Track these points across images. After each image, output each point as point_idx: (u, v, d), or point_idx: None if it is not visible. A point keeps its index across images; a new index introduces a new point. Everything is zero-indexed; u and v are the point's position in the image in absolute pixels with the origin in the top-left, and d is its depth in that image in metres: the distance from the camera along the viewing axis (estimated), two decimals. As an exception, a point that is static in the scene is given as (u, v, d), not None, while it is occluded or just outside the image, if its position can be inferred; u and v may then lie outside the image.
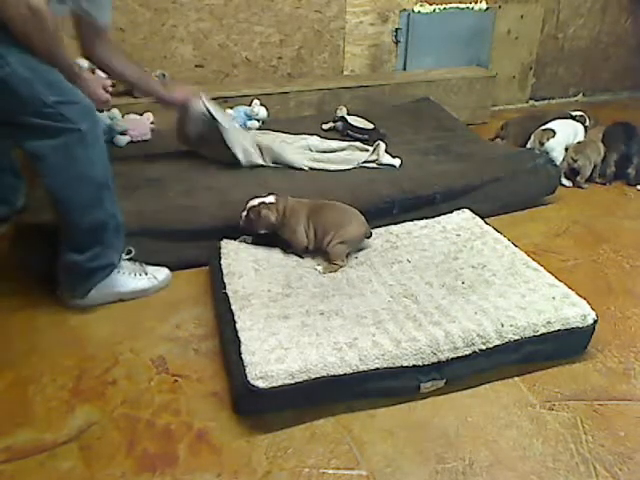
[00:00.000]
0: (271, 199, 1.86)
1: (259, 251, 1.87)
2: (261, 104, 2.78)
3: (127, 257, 1.80)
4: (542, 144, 2.62)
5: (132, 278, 1.77)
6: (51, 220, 1.66)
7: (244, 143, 2.31)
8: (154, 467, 1.25)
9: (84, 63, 2.66)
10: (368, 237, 1.94)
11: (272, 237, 1.92)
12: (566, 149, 2.67)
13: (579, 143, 2.67)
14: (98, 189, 1.61)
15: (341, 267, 1.82)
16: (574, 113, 2.96)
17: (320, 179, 2.25)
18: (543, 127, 2.71)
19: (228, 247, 1.84)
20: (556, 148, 2.62)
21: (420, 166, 2.37)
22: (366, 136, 2.66)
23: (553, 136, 2.63)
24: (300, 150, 2.42)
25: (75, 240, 1.66)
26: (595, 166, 2.63)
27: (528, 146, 2.71)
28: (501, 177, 2.32)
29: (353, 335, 1.46)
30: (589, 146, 2.64)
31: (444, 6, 3.33)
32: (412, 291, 1.67)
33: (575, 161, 2.58)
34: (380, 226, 2.05)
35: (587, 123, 2.91)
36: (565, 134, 2.67)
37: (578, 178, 2.60)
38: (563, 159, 2.63)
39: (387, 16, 3.25)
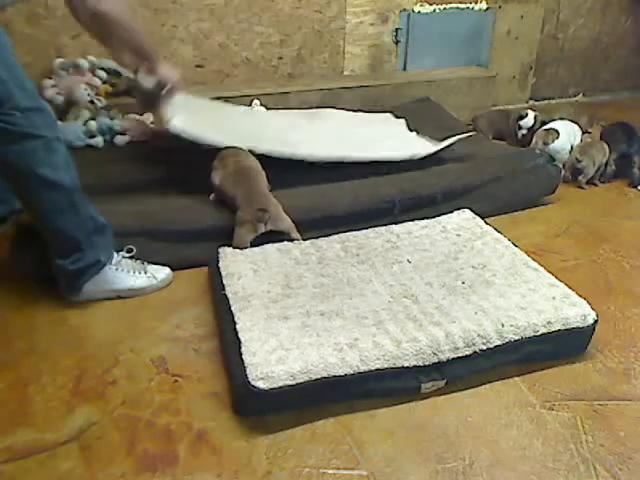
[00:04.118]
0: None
1: (256, 252, 1.87)
2: (261, 104, 2.78)
3: (128, 255, 1.80)
4: (546, 144, 2.59)
5: (130, 276, 1.77)
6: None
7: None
8: (154, 467, 1.25)
9: (84, 62, 2.67)
10: (261, 221, 1.84)
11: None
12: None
13: (584, 143, 2.65)
14: (67, 194, 1.60)
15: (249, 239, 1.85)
16: (523, 112, 2.94)
17: (319, 178, 2.25)
18: (545, 127, 2.68)
19: (226, 250, 1.85)
20: (561, 152, 2.59)
21: (420, 166, 2.37)
22: (366, 136, 2.67)
23: (557, 137, 2.60)
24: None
25: (55, 246, 1.66)
26: (599, 167, 2.61)
27: (531, 146, 2.70)
28: (501, 177, 2.32)
29: (354, 336, 1.46)
30: (594, 146, 2.62)
31: (444, 6, 3.32)
32: (412, 291, 1.67)
33: (579, 161, 2.56)
34: (381, 226, 2.06)
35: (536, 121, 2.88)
36: (567, 134, 2.64)
37: (580, 177, 2.59)
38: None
39: (387, 16, 3.25)
